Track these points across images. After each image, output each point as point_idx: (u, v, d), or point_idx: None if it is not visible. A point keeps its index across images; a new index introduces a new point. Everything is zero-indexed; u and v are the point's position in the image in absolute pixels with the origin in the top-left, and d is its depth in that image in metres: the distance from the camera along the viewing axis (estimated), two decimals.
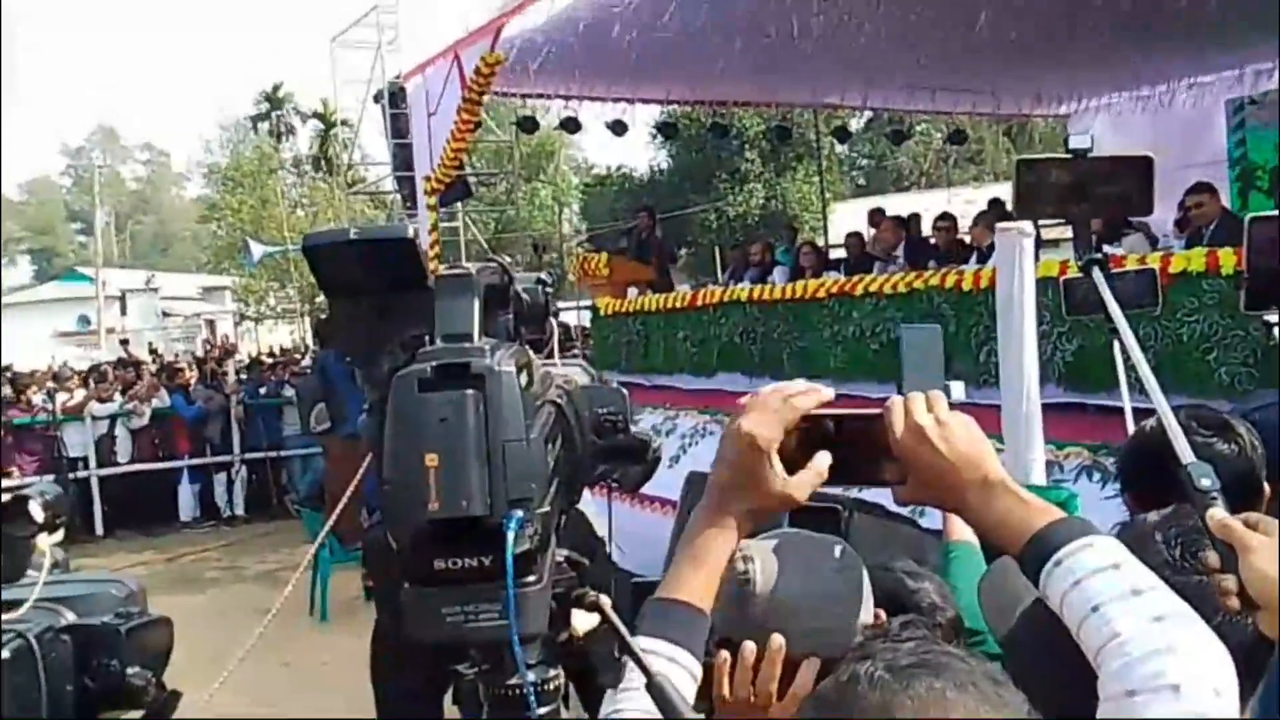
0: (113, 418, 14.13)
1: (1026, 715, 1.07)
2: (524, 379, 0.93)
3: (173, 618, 1.29)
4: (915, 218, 12.34)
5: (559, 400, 1.09)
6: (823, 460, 1.29)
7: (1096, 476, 5.75)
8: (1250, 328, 6.01)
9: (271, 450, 14.43)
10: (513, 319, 1.14)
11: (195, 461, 14.42)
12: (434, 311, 0.98)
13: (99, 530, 13.62)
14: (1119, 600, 1.11)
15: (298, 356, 18.00)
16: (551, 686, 1.15)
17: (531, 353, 1.11)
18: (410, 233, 1.07)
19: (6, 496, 1.09)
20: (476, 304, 0.97)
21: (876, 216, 12.96)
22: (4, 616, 1.09)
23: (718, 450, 1.30)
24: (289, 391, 14.64)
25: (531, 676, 1.13)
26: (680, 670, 1.20)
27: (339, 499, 6.46)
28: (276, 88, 39.93)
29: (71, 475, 13.47)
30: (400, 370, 0.91)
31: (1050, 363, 7.16)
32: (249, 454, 14.52)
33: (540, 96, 13.69)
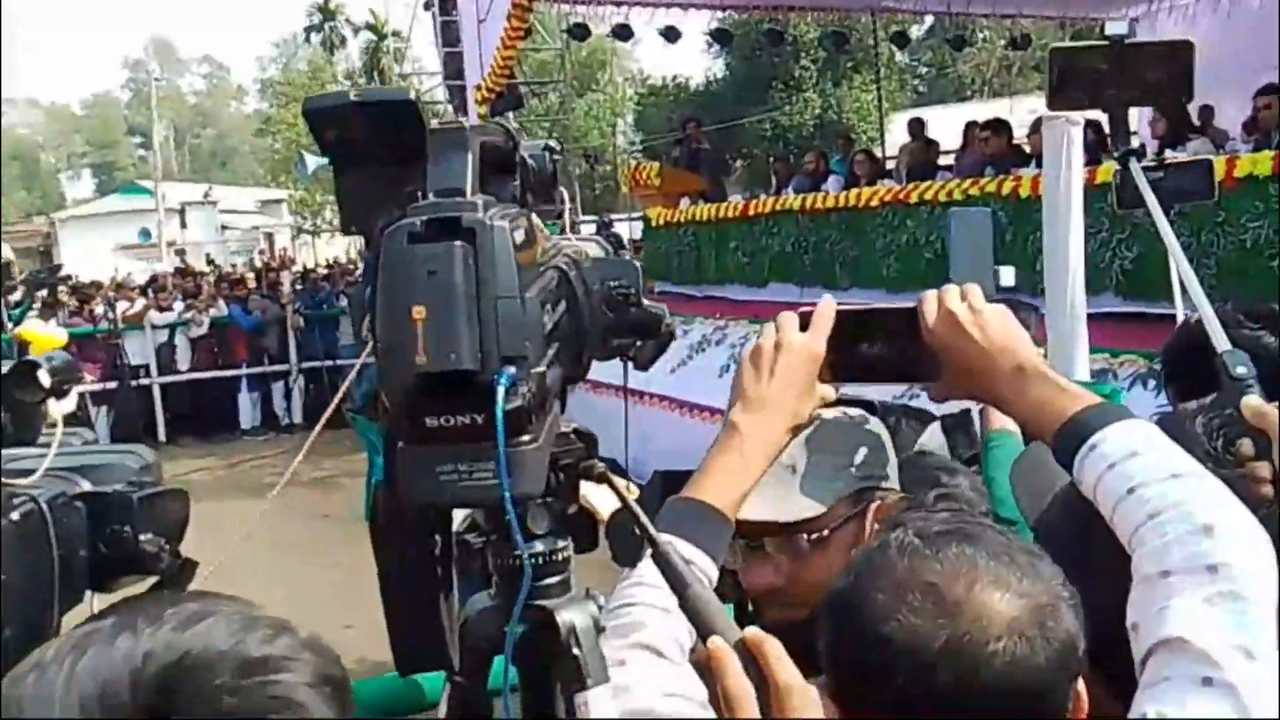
0: (172, 327, 14.39)
1: (1061, 586, 1.06)
2: (519, 236, 0.91)
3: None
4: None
5: (564, 267, 1.07)
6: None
7: (1151, 384, 5.65)
8: None
9: (327, 360, 14.60)
10: (519, 186, 1.11)
11: (253, 370, 14.66)
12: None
13: (161, 437, 13.92)
14: (1156, 482, 1.09)
15: (351, 268, 18.13)
16: (560, 558, 1.15)
17: (536, 218, 1.09)
18: (413, 95, 1.04)
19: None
20: (470, 159, 0.94)
21: (916, 127, 12.70)
22: (16, 483, 1.09)
23: (754, 362, 1.29)
24: (344, 303, 14.79)
25: (539, 546, 1.13)
26: (697, 572, 1.18)
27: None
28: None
29: (133, 382, 13.76)
30: (390, 225, 0.88)
31: (1108, 270, 7.02)
32: (306, 363, 14.72)
33: (591, 3, 13.48)
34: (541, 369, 0.91)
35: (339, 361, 14.54)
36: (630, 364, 1.23)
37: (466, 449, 0.88)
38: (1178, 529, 1.04)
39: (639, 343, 1.20)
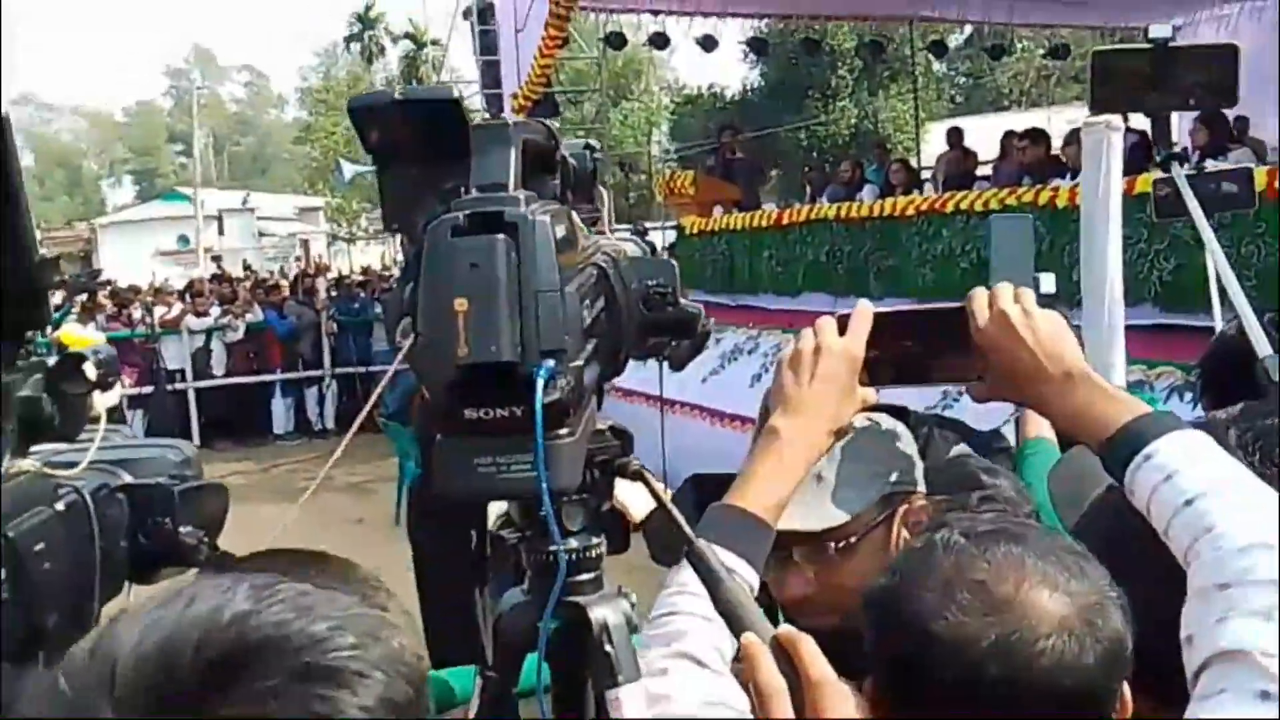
0: (209, 332, 14.53)
1: (1109, 586, 1.05)
2: (560, 231, 0.91)
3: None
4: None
5: (603, 264, 1.07)
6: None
7: (1188, 396, 5.59)
8: None
9: (361, 365, 14.69)
10: (559, 185, 1.12)
11: (288, 376, 14.78)
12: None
13: (196, 440, 14.04)
14: (1215, 494, 1.07)
15: (386, 274, 18.24)
16: (593, 554, 1.15)
17: (576, 216, 1.09)
18: (456, 94, 1.05)
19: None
20: (513, 154, 0.95)
21: (954, 136, 12.67)
22: (60, 474, 1.10)
23: (793, 366, 1.30)
24: (379, 309, 14.90)
25: (573, 543, 1.13)
26: (738, 581, 1.18)
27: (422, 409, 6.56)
28: (368, 8, 40.08)
29: (170, 387, 13.90)
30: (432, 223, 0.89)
31: (1146, 281, 6.96)
32: (339, 369, 14.83)
33: (628, 11, 13.53)
34: (580, 363, 0.91)
35: (373, 368, 14.65)
36: (665, 364, 1.23)
37: (504, 441, 0.88)
38: (1238, 541, 1.03)
39: (675, 343, 1.20)
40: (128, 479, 1.18)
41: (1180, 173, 1.78)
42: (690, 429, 8.41)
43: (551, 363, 0.87)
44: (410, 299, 0.89)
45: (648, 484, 1.11)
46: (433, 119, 1.01)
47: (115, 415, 1.18)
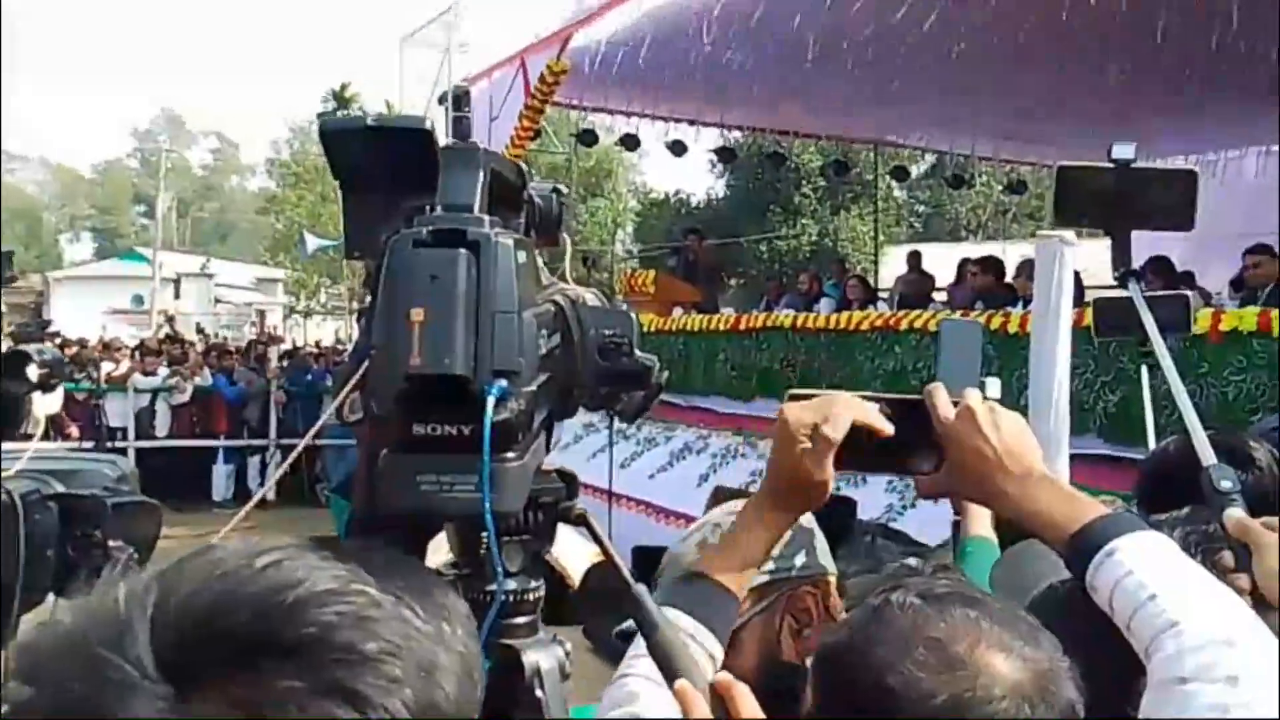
0: (155, 391, 14.34)
1: (1061, 657, 1.06)
2: (522, 257, 0.92)
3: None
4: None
5: (562, 303, 1.08)
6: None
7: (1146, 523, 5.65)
8: None
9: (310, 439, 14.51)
10: (524, 224, 1.12)
11: (231, 443, 14.57)
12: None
13: None
14: (1175, 591, 1.09)
15: (340, 348, 18.15)
16: (531, 598, 1.14)
17: (537, 256, 1.10)
18: (429, 124, 1.06)
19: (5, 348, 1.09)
20: (481, 177, 0.96)
21: (914, 259, 12.96)
22: None
23: (780, 448, 1.28)
24: (329, 381, 14.78)
25: (511, 584, 1.11)
26: (699, 649, 1.18)
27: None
28: (344, 86, 40.38)
29: (110, 444, 13.65)
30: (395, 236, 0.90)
31: (1091, 412, 7.08)
32: (285, 439, 14.63)
33: (602, 110, 13.77)
34: (532, 389, 0.91)
35: (319, 441, 14.46)
36: (617, 416, 1.23)
37: (450, 460, 0.88)
38: (1198, 638, 1.05)
39: (627, 395, 1.20)
40: (60, 488, 1.16)
41: (1137, 289, 1.82)
42: (636, 524, 8.36)
43: (504, 382, 0.86)
44: (368, 310, 0.89)
45: (590, 528, 1.10)
46: (404, 147, 1.02)
47: (56, 422, 1.16)
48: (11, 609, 1.07)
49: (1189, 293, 2.57)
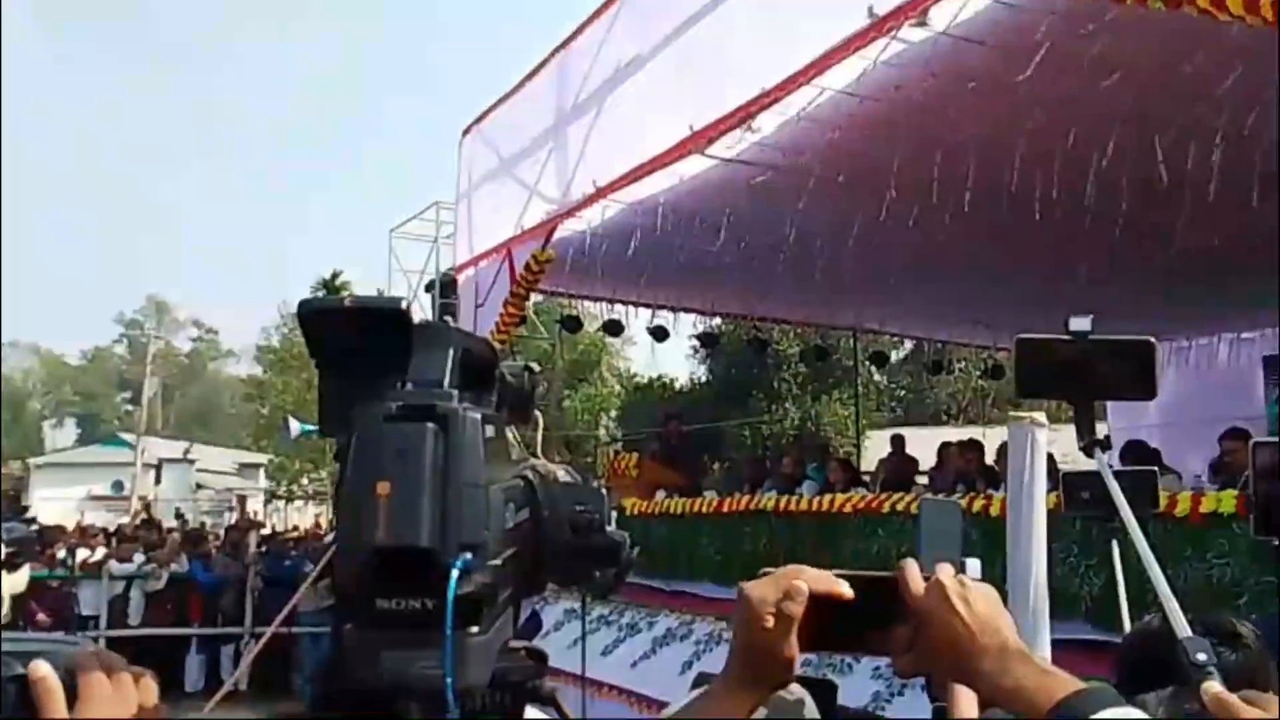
0: (130, 578, 14.09)
1: None
2: (490, 431, 0.94)
3: None
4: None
5: (531, 478, 1.09)
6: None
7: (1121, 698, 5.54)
8: None
9: (284, 626, 14.19)
10: (495, 400, 1.15)
11: (205, 631, 14.25)
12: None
13: None
14: None
15: (320, 534, 17.94)
16: None
17: (509, 431, 1.12)
18: (404, 305, 1.09)
19: None
20: (451, 354, 0.99)
21: (897, 443, 13.06)
22: None
23: (742, 626, 1.28)
24: (310, 567, 14.56)
25: None
26: None
27: None
28: (335, 275, 41.12)
29: (81, 633, 13.33)
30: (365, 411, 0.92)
31: (1077, 598, 7.01)
32: (260, 628, 14.30)
33: (586, 298, 14.02)
34: (498, 563, 0.92)
35: (295, 629, 14.15)
36: (588, 592, 1.23)
37: (414, 635, 0.88)
38: None
39: (598, 572, 1.21)
40: (20, 670, 1.14)
41: (1103, 459, 1.85)
42: (619, 713, 8.14)
43: (469, 555, 0.87)
44: (336, 484, 0.91)
45: (558, 709, 1.09)
46: (380, 328, 1.05)
47: (20, 603, 1.16)
48: None
49: (1154, 469, 2.60)
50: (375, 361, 1.04)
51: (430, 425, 0.89)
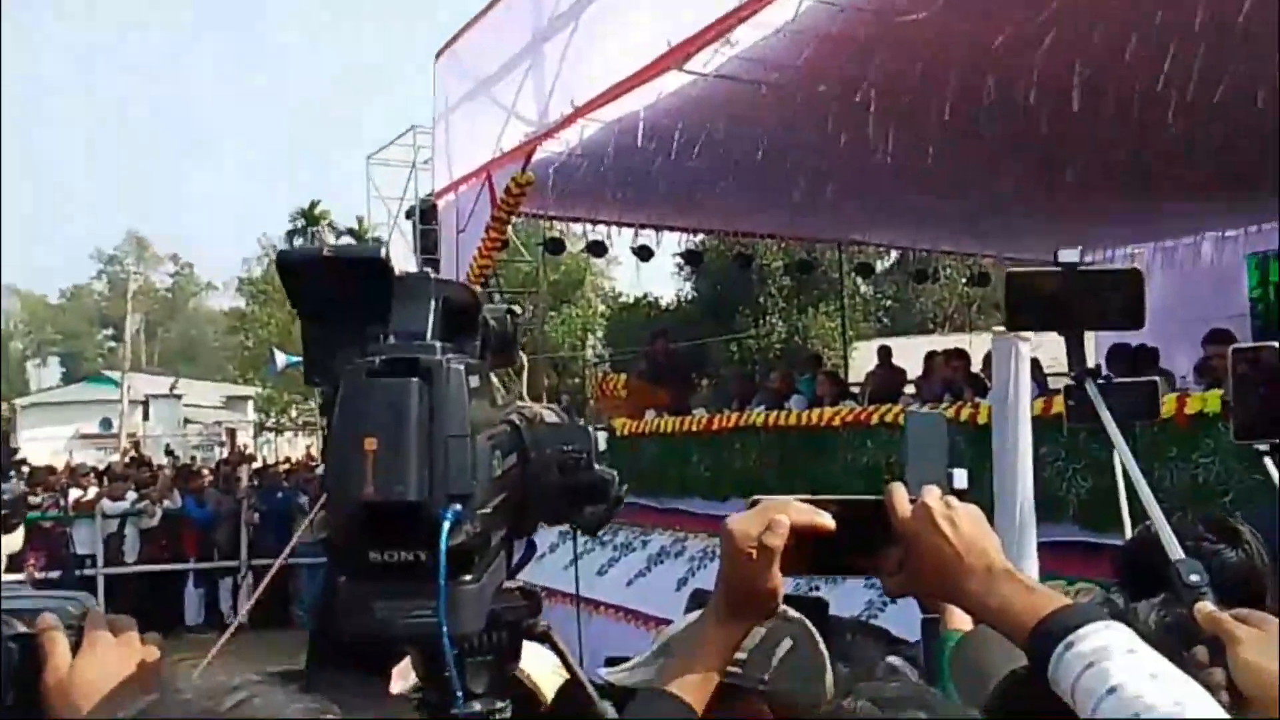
0: (124, 516, 14.15)
1: None
2: (474, 382, 0.94)
3: None
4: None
5: (517, 422, 1.09)
6: None
7: (1107, 613, 5.64)
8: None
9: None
10: (479, 345, 1.14)
11: (201, 565, 14.36)
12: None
13: None
14: (1136, 682, 1.10)
15: (312, 465, 18.01)
16: (498, 718, 1.13)
17: (493, 377, 1.12)
18: (383, 253, 1.08)
19: None
20: (433, 306, 0.98)
21: (884, 354, 13.11)
22: None
23: (726, 560, 1.28)
24: (303, 499, 14.64)
25: (476, 706, 1.11)
26: None
27: None
28: (314, 205, 40.82)
29: (79, 572, 13.43)
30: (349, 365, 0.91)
31: (1065, 500, 7.10)
32: (256, 560, 14.43)
33: (568, 219, 13.93)
34: (488, 511, 0.92)
35: (292, 560, 14.26)
36: (579, 529, 1.24)
37: (407, 585, 0.88)
38: None
39: (588, 509, 1.21)
40: (21, 629, 1.15)
41: (1094, 389, 1.86)
42: (614, 631, 8.27)
43: (458, 506, 0.87)
44: (324, 439, 0.91)
45: (554, 645, 1.10)
46: (360, 275, 1.04)
47: (17, 559, 1.16)
48: None
49: (1156, 379, 2.62)
50: (356, 310, 1.04)
51: (414, 380, 0.88)
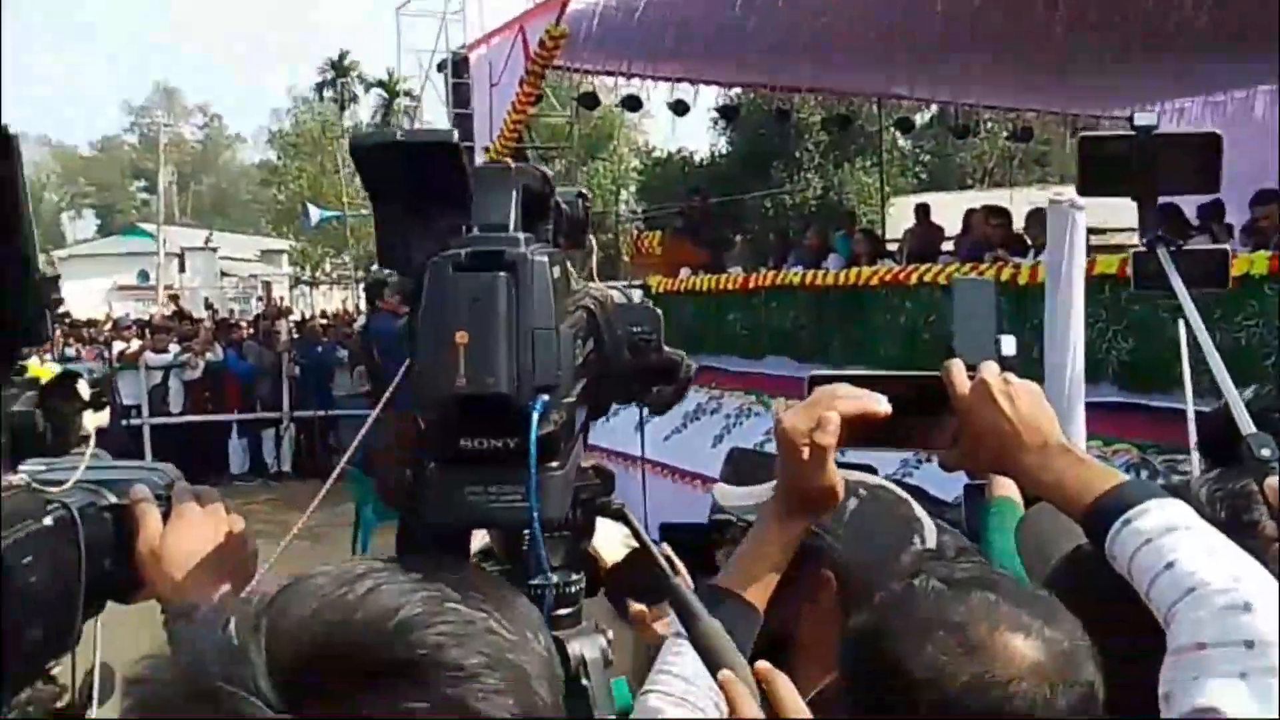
0: (167, 368, 14.40)
1: (1081, 636, 1.09)
2: (556, 272, 0.95)
3: None
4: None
5: (592, 307, 1.11)
6: None
7: (1144, 474, 5.69)
8: None
9: (321, 410, 14.60)
10: (552, 230, 1.15)
11: (245, 417, 14.66)
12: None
13: None
14: (1193, 558, 1.11)
15: (350, 319, 18.19)
16: (573, 590, 1.18)
17: (567, 261, 1.13)
18: (455, 137, 1.08)
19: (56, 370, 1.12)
20: (514, 197, 0.99)
21: (922, 212, 12.92)
22: (49, 490, 1.12)
23: (781, 459, 1.30)
24: (341, 353, 14.85)
25: (555, 578, 1.15)
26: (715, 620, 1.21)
27: (381, 459, 6.53)
28: (343, 56, 40.26)
29: (125, 422, 13.73)
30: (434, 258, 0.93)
31: (1105, 361, 7.09)
32: (298, 413, 14.72)
33: (603, 73, 13.70)
34: (572, 399, 0.95)
35: (332, 412, 14.54)
36: (647, 409, 1.27)
37: (496, 471, 0.92)
38: (1216, 604, 1.07)
39: (657, 388, 1.24)
40: (113, 499, 1.20)
41: (1165, 255, 1.84)
42: (651, 486, 8.42)
43: (546, 397, 0.90)
44: (408, 329, 0.93)
45: (629, 523, 1.14)
46: (431, 161, 1.05)
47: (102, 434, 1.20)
48: (76, 619, 1.11)
49: (1226, 247, 2.56)
50: (432, 196, 1.05)
51: (502, 275, 0.90)
